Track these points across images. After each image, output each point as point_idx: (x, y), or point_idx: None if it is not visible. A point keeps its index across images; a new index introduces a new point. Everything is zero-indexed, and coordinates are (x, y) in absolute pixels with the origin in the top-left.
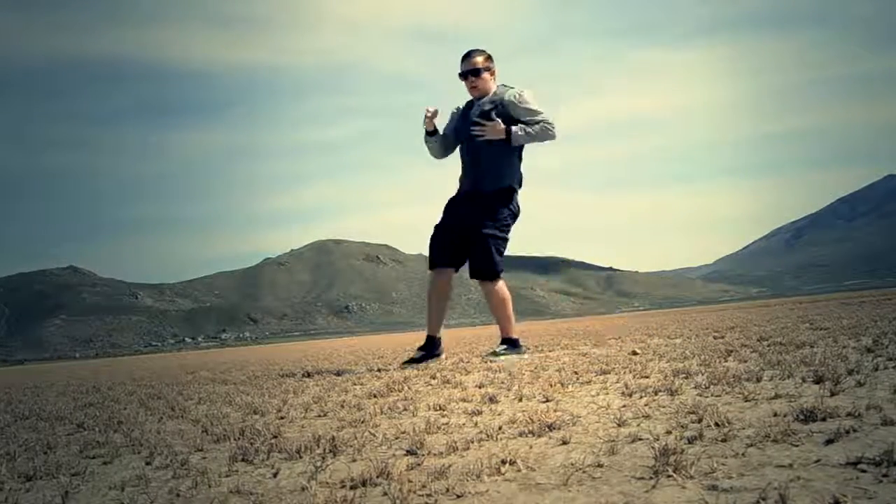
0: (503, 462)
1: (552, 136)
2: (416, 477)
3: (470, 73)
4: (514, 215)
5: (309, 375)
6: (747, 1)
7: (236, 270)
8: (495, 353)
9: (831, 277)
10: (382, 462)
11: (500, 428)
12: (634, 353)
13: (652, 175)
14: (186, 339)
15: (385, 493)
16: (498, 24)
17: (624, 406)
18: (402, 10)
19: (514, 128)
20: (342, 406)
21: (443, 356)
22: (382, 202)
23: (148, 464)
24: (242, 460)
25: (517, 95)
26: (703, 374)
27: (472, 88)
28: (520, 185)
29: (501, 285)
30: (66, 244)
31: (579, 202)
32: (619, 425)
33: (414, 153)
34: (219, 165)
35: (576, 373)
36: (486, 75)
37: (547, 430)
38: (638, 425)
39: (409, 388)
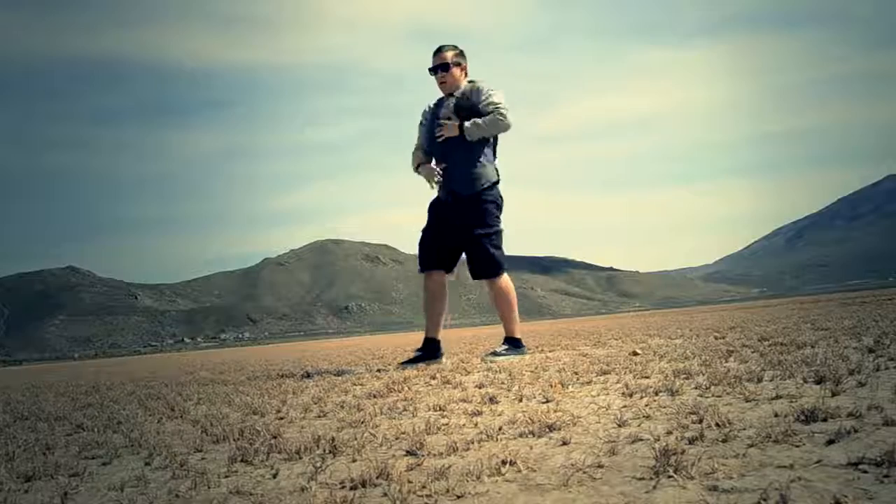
0: (503, 463)
1: (505, 126)
2: (416, 477)
3: (439, 67)
4: (500, 206)
5: (308, 376)
6: (747, 1)
7: (236, 271)
8: (496, 353)
9: (832, 277)
10: (382, 463)
11: (500, 428)
12: (635, 354)
13: (652, 175)
14: (186, 339)
15: (385, 494)
16: (498, 23)
17: (624, 406)
18: (402, 10)
19: (466, 123)
20: (342, 406)
21: (443, 360)
22: (382, 202)
23: (147, 464)
24: (242, 461)
25: (477, 88)
26: (703, 375)
27: (441, 83)
28: (498, 178)
29: (506, 281)
30: (66, 244)
31: (580, 202)
32: (619, 426)
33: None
34: (218, 165)
35: (576, 373)
36: (455, 70)
37: (547, 430)
38: (638, 426)
39: (408, 388)
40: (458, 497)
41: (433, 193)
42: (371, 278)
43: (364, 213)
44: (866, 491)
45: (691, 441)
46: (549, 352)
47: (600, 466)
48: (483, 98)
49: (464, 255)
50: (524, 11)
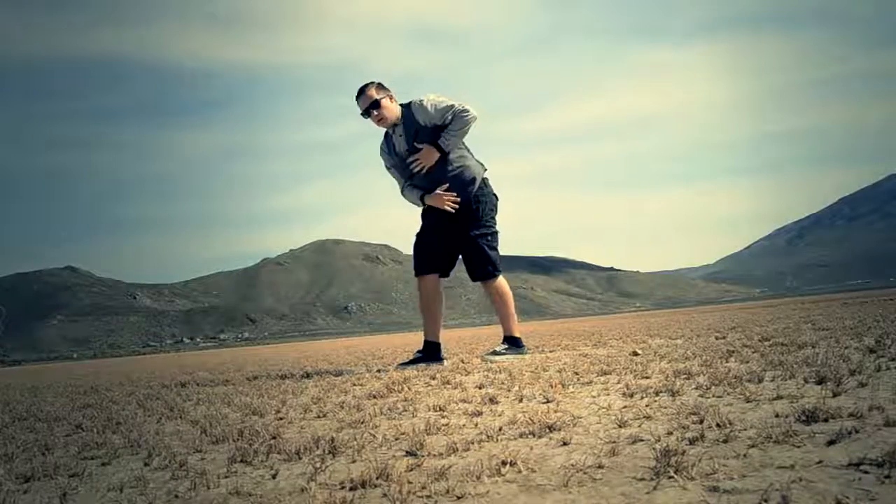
0: (503, 463)
1: (472, 118)
2: (416, 478)
3: (370, 107)
4: (495, 207)
5: (308, 376)
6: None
7: (235, 270)
8: (496, 353)
9: (833, 277)
10: (382, 463)
11: (500, 429)
12: (635, 354)
13: (653, 175)
14: (185, 339)
15: (385, 495)
16: (498, 22)
17: (625, 407)
18: (402, 9)
19: (440, 141)
20: (341, 407)
21: (445, 363)
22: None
23: (146, 465)
24: (241, 461)
25: (421, 105)
26: (704, 375)
27: (379, 121)
28: (484, 168)
29: (502, 282)
30: (64, 244)
31: (580, 202)
32: (619, 426)
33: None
34: (218, 165)
35: (576, 373)
36: (385, 102)
37: (547, 431)
38: (639, 426)
39: (408, 388)
40: (459, 498)
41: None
42: (371, 278)
43: (364, 213)
44: (867, 492)
45: (692, 442)
46: (550, 352)
47: (601, 467)
48: (431, 110)
49: (460, 257)
50: (524, 11)
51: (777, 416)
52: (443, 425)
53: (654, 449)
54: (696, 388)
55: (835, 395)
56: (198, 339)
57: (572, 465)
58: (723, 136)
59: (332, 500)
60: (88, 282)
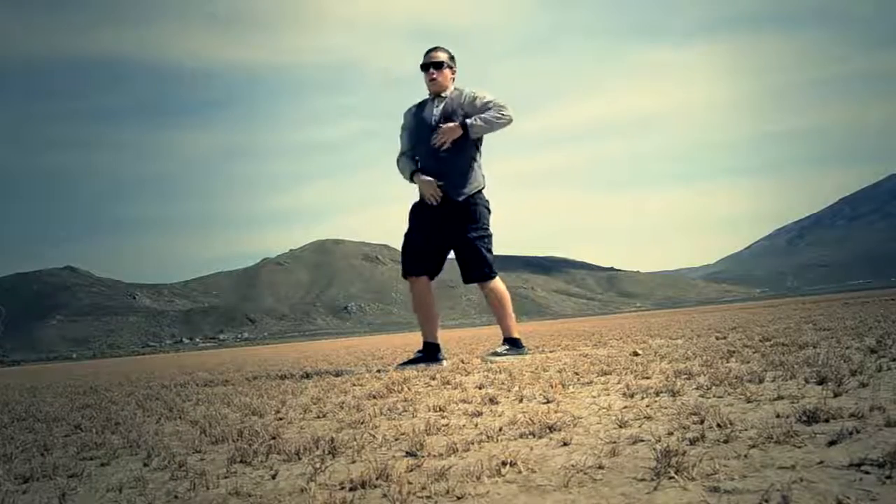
0: (503, 463)
1: (508, 120)
2: (416, 478)
3: (432, 65)
4: (489, 211)
5: (308, 376)
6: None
7: (235, 271)
8: (496, 353)
9: (834, 277)
10: (382, 463)
11: (500, 429)
12: (636, 354)
13: (653, 174)
14: (184, 339)
15: (385, 495)
16: (498, 22)
17: (625, 407)
18: (402, 9)
19: (468, 120)
20: (341, 407)
21: (445, 363)
22: (382, 202)
23: (146, 465)
24: (241, 462)
25: (473, 98)
26: (704, 375)
27: (430, 81)
28: (485, 183)
29: (498, 282)
30: (64, 244)
31: (580, 202)
32: (620, 426)
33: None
34: (217, 165)
35: (577, 374)
36: (446, 71)
37: (548, 431)
38: (639, 426)
39: (408, 389)
40: (459, 498)
41: (416, 197)
42: (371, 278)
43: (363, 213)
44: (868, 492)
45: (692, 442)
46: (550, 352)
47: (601, 467)
48: (473, 100)
49: (451, 258)
50: (524, 11)
51: (778, 416)
52: (443, 426)
53: (654, 449)
54: (697, 389)
55: (836, 396)
56: (197, 340)
57: (572, 465)
58: (723, 136)
59: (331, 501)
60: (88, 282)
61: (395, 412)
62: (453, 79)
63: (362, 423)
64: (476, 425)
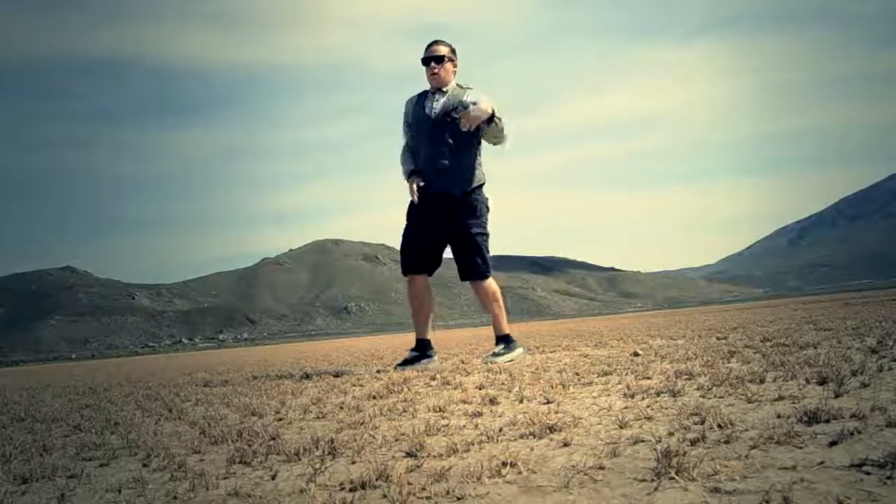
0: (504, 464)
1: (504, 137)
2: (416, 479)
3: (433, 59)
4: (488, 209)
5: (307, 377)
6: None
7: (234, 270)
8: (496, 354)
9: (835, 278)
10: (382, 464)
11: (500, 430)
12: (636, 355)
13: (654, 174)
14: (184, 339)
15: (384, 496)
16: (499, 20)
17: (626, 408)
18: (402, 9)
19: (497, 116)
20: (341, 408)
21: (435, 358)
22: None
23: (145, 466)
24: (240, 462)
25: (475, 97)
26: (705, 376)
27: (432, 75)
28: (485, 180)
29: (492, 281)
30: (63, 244)
31: (580, 201)
32: (620, 427)
33: None
34: (216, 165)
35: (577, 374)
36: (448, 65)
37: (548, 431)
38: (640, 427)
39: (408, 389)
40: (459, 499)
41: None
42: (370, 278)
43: (363, 213)
44: (869, 493)
45: (693, 442)
46: (550, 353)
47: (601, 468)
48: (479, 101)
49: (448, 256)
50: (525, 10)
51: (779, 416)
52: (443, 426)
53: (655, 450)
54: (698, 389)
55: (837, 396)
56: (196, 340)
57: (573, 466)
58: (724, 136)
59: (331, 502)
60: (87, 282)
61: (394, 413)
62: (455, 72)
63: (362, 424)
64: (476, 426)
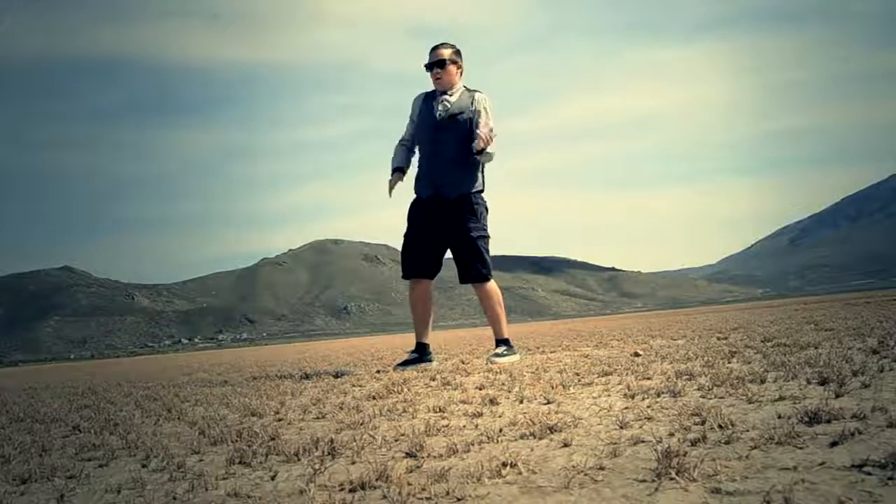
0: (504, 465)
1: (491, 157)
2: (416, 480)
3: (436, 64)
4: (488, 212)
5: (307, 377)
6: None
7: (234, 271)
8: (497, 355)
9: (836, 278)
10: (382, 464)
11: (500, 430)
12: (637, 355)
13: (654, 174)
14: (183, 340)
15: (384, 496)
16: (496, 20)
17: (626, 408)
18: (401, 8)
19: (490, 149)
20: (341, 408)
21: (434, 363)
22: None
23: (144, 466)
24: (240, 463)
25: (481, 104)
26: (706, 376)
27: (436, 80)
28: (484, 186)
29: (494, 284)
30: (61, 244)
31: (581, 202)
32: (621, 427)
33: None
34: (216, 165)
35: (577, 374)
36: (451, 68)
37: (548, 432)
38: (640, 427)
39: (408, 389)
40: (459, 500)
41: (413, 195)
42: (370, 279)
43: (363, 213)
44: (870, 493)
45: (694, 443)
46: (551, 353)
47: (602, 468)
48: (481, 121)
49: (449, 257)
50: (523, 10)
51: (779, 417)
52: (443, 426)
53: (655, 450)
54: (698, 389)
55: (837, 397)
56: (196, 340)
57: (573, 466)
58: (724, 135)
59: (331, 502)
60: (86, 282)
61: (394, 413)
62: (461, 73)
63: (362, 424)
64: (476, 426)
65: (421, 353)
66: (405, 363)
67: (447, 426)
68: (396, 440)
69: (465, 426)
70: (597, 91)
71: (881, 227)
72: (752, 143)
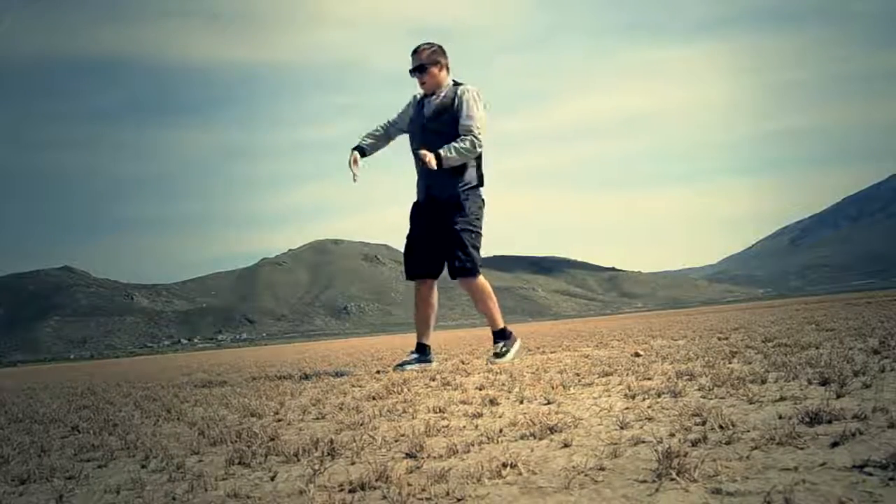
0: (504, 465)
1: (475, 154)
2: (416, 480)
3: (416, 70)
4: (481, 209)
5: (307, 377)
6: None
7: (233, 271)
8: (498, 355)
9: (837, 278)
10: (381, 465)
11: (500, 430)
12: (637, 355)
13: (654, 174)
14: (182, 340)
15: (384, 497)
16: (495, 20)
17: (626, 408)
18: (401, 8)
19: (442, 152)
20: (340, 408)
21: (433, 364)
22: (381, 201)
23: (143, 467)
24: (239, 463)
25: (463, 98)
26: (706, 376)
27: (421, 85)
28: (481, 184)
29: (482, 280)
30: (61, 244)
31: (581, 202)
32: (621, 428)
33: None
34: (216, 164)
35: (578, 374)
36: (433, 70)
37: (548, 432)
38: (641, 428)
39: (408, 390)
40: (458, 500)
41: (415, 196)
42: (370, 279)
43: (363, 213)
44: (871, 494)
45: (694, 443)
46: (551, 353)
47: (602, 469)
48: (464, 113)
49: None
50: (522, 10)
51: (780, 417)
52: (443, 427)
53: (656, 451)
54: (699, 390)
55: (838, 397)
56: (195, 340)
57: (573, 467)
58: (725, 135)
59: (331, 503)
60: (85, 282)
61: (394, 413)
62: (446, 70)
63: (362, 425)
64: (476, 427)
65: (421, 354)
66: (405, 363)
67: (447, 427)
68: (396, 441)
69: (465, 427)
70: (597, 91)
71: (882, 227)
72: (752, 143)
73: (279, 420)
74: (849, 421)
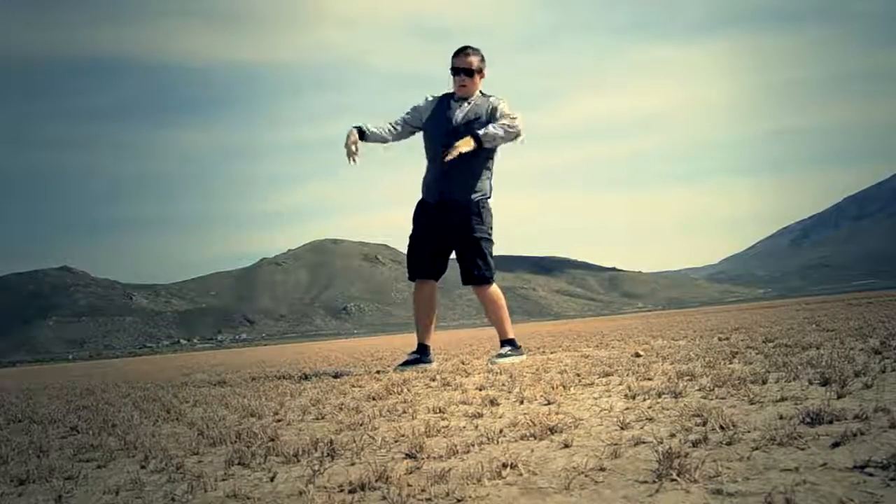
0: (504, 466)
1: (515, 133)
2: (416, 481)
3: (464, 71)
4: (492, 217)
5: (306, 378)
6: None
7: (233, 271)
8: (500, 356)
9: (838, 278)
10: (381, 466)
11: (500, 431)
12: (637, 355)
13: (655, 174)
14: (182, 340)
15: (384, 497)
16: (498, 19)
17: (627, 409)
18: (401, 8)
19: (480, 131)
20: (340, 409)
21: (433, 364)
22: (381, 201)
23: (143, 467)
24: (239, 464)
25: (495, 106)
26: (707, 377)
27: (460, 87)
28: (491, 194)
29: (496, 288)
30: (60, 244)
31: (581, 202)
32: (621, 428)
33: (415, 151)
34: (215, 164)
35: (578, 375)
36: (477, 77)
37: (548, 433)
38: (641, 428)
39: (408, 390)
40: (458, 501)
41: (419, 196)
42: (370, 279)
43: (363, 213)
44: (872, 494)
45: (695, 444)
46: (551, 353)
47: (602, 470)
48: (494, 110)
49: (453, 257)
50: (524, 9)
51: (781, 417)
52: (443, 427)
53: (656, 451)
54: (699, 390)
55: (839, 397)
56: (195, 341)
57: (574, 467)
58: (725, 135)
59: (330, 503)
60: (84, 282)
61: (394, 414)
62: (481, 83)
63: (361, 425)
64: (476, 427)
65: (421, 354)
66: (405, 364)
67: (447, 427)
68: (396, 441)
69: (465, 427)
70: (597, 91)
71: (882, 227)
72: (752, 143)
73: (279, 420)
74: (850, 421)
